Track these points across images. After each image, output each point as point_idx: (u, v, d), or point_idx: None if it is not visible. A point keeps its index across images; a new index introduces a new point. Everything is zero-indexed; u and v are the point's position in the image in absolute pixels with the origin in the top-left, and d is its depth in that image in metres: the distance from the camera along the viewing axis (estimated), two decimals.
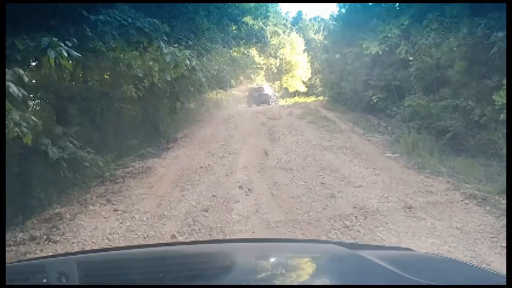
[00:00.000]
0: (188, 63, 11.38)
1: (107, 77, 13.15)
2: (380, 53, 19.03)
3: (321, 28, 41.94)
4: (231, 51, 25.04)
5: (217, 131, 18.70)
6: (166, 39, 10.46)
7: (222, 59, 22.32)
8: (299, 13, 47.81)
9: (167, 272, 1.80)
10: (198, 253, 2.19)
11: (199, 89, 17.06)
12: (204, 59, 15.40)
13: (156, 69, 11.00)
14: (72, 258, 2.22)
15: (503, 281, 1.53)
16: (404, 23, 18.76)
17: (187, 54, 11.42)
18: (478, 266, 2.07)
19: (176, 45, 11.13)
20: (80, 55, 7.84)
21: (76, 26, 9.16)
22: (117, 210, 8.09)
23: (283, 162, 11.71)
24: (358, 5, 24.62)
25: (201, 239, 6.39)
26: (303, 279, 1.76)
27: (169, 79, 11.42)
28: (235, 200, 8.33)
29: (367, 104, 21.29)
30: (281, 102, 35.27)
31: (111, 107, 12.34)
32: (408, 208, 7.50)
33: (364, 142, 15.06)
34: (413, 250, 2.37)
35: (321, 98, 34.95)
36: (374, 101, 19.65)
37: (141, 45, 10.25)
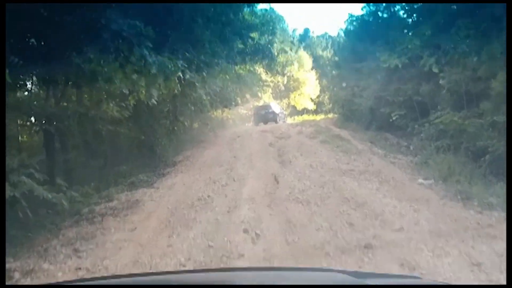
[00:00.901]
0: (181, 76, 9.25)
1: (86, 95, 11.13)
2: (400, 66, 16.85)
3: (329, 44, 40.08)
4: (236, 67, 22.93)
5: (221, 152, 16.55)
6: (151, 46, 8.35)
7: (227, 76, 20.21)
8: (306, 30, 46.07)
9: None
10: (203, 282, 2.12)
11: (200, 107, 14.97)
12: (204, 73, 13.31)
13: (142, 84, 8.85)
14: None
15: None
16: (426, 33, 16.59)
17: (180, 66, 9.26)
18: None
19: (165, 54, 9.00)
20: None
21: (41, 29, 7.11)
22: (79, 269, 5.91)
23: (297, 192, 9.54)
24: (370, 18, 22.75)
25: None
26: None
27: (155, 94, 9.23)
28: (238, 252, 6.15)
29: (383, 122, 19.18)
30: (289, 120, 33.21)
31: (93, 130, 10.25)
32: (476, 265, 5.29)
33: (388, 164, 12.90)
34: (420, 278, 2.48)
35: (330, 115, 32.84)
36: (394, 118, 17.47)
37: (122, 54, 8.18)
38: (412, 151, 15.08)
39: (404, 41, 17.32)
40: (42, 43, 8.19)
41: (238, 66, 23.79)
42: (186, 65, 9.85)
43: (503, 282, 4.76)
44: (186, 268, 5.61)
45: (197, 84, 13.60)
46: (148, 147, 14.38)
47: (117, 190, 10.65)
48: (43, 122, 9.26)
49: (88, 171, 10.71)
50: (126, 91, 8.88)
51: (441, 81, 13.71)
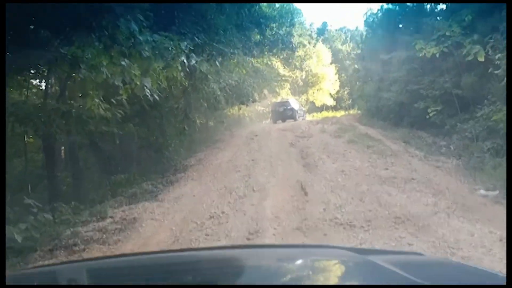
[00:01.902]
0: (185, 61, 7.09)
1: (71, 89, 9.09)
2: (437, 55, 14.55)
3: (348, 38, 37.69)
4: (253, 60, 20.78)
5: (238, 154, 14.46)
6: (142, 19, 6.19)
7: (244, 70, 18.04)
8: (324, 24, 43.73)
9: (175, 278, 1.73)
10: (209, 259, 2.04)
11: (214, 103, 12.86)
12: (217, 63, 11.21)
13: (136, 72, 6.68)
14: (77, 265, 2.15)
15: None
16: (466, 19, 14.26)
17: (184, 48, 7.08)
18: (490, 270, 1.77)
19: (163, 32, 6.82)
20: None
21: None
22: None
23: (333, 209, 7.43)
24: (396, 7, 20.40)
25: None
26: (314, 284, 1.60)
27: (148, 85, 7.06)
28: None
29: (416, 118, 16.89)
30: (308, 117, 30.94)
31: (84, 131, 8.25)
32: None
33: (433, 170, 10.73)
34: (422, 254, 2.31)
35: (352, 111, 30.49)
36: (431, 114, 15.18)
37: (106, 32, 6.07)
38: (454, 152, 12.81)
39: (441, 28, 15.00)
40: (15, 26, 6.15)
41: (255, 59, 21.68)
42: (192, 48, 7.66)
43: None
44: None
45: (210, 77, 11.54)
46: (155, 150, 12.39)
47: (114, 204, 8.64)
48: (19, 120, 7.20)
49: (80, 182, 8.69)
50: (118, 83, 6.82)
51: (495, 71, 11.36)
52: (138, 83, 6.59)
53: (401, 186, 8.88)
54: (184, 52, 7.09)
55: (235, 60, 16.10)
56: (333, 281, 1.66)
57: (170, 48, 6.56)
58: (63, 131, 8.21)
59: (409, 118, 17.60)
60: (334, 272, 1.82)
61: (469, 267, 2.07)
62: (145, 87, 6.89)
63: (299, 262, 1.99)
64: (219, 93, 12.14)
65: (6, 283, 1.67)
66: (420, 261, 1.98)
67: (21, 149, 10.04)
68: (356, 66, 27.81)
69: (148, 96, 7.35)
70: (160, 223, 7.34)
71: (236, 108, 21.44)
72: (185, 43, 7.13)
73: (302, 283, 1.61)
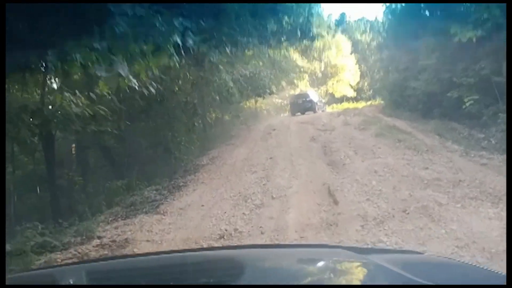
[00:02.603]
0: (179, 41, 5.43)
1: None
2: (474, 40, 12.68)
3: (368, 28, 35.60)
4: (270, 51, 19.05)
5: (255, 151, 12.90)
6: None
7: (260, 62, 16.38)
8: (342, 15, 41.43)
9: (176, 279, 1.68)
10: (209, 260, 1.99)
11: (226, 96, 11.25)
12: (228, 51, 9.61)
13: (116, 58, 5.03)
14: (77, 267, 2.10)
15: None
16: None
17: (178, 26, 5.38)
18: (492, 270, 1.68)
19: (151, 4, 5.14)
20: None
21: None
22: None
23: (373, 225, 5.84)
24: None
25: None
26: (314, 285, 1.56)
27: (123, 72, 5.39)
28: None
29: (448, 109, 15.09)
30: (328, 109, 29.12)
31: (64, 130, 6.74)
32: None
33: (479, 168, 9.00)
34: (421, 253, 2.26)
35: (373, 102, 28.56)
36: (467, 104, 13.32)
37: None
38: (497, 146, 11.02)
39: (478, 10, 13.09)
40: None
41: (272, 50, 19.96)
42: (191, 29, 5.98)
43: None
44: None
45: (221, 67, 9.94)
46: (164, 149, 10.84)
47: (108, 218, 7.14)
48: None
49: (68, 190, 7.20)
50: (101, 73, 5.25)
51: None
52: (122, 72, 5.05)
53: (450, 191, 7.20)
54: (179, 30, 5.44)
55: (251, 52, 14.47)
56: (333, 281, 1.58)
57: (157, 25, 4.93)
58: (45, 130, 6.73)
59: (440, 108, 15.77)
60: (334, 272, 1.73)
61: (469, 266, 1.96)
62: (131, 79, 5.30)
63: (299, 261, 1.92)
64: (232, 85, 10.55)
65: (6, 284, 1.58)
66: (420, 260, 1.88)
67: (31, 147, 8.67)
68: (378, 55, 25.84)
69: (136, 88, 5.78)
70: (157, 246, 5.78)
71: (252, 101, 19.84)
72: (180, 19, 5.48)
73: (302, 283, 1.55)
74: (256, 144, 14.09)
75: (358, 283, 1.57)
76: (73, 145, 9.99)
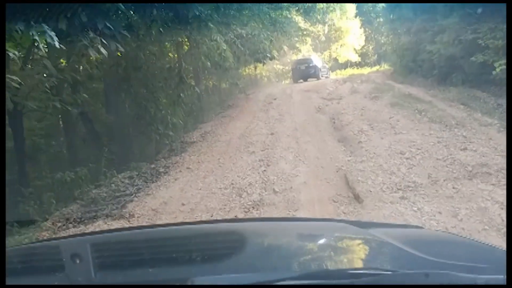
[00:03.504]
0: None
1: None
2: None
3: None
4: (270, 12, 16.73)
5: (253, 125, 10.94)
6: None
7: (260, 23, 14.15)
8: None
9: (175, 252, 1.63)
10: (210, 233, 1.91)
11: (219, 61, 9.16)
12: (220, 7, 7.51)
13: None
14: (84, 239, 1.99)
15: None
16: None
17: None
18: (489, 244, 1.69)
19: None
20: None
21: None
22: None
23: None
24: None
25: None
26: (315, 258, 1.53)
27: None
28: None
29: (469, 75, 13.03)
30: (332, 75, 26.86)
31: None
32: None
33: None
34: (422, 228, 2.26)
35: (379, 68, 26.29)
36: (498, 70, 11.21)
37: None
38: None
39: None
40: None
41: (273, 12, 17.63)
42: None
43: None
44: None
45: (211, 25, 7.86)
46: (146, 124, 8.89)
47: (55, 224, 5.20)
48: None
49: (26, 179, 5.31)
50: None
51: None
52: None
53: (504, 182, 5.28)
54: None
55: (247, 11, 12.27)
56: (336, 254, 1.57)
57: None
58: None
59: (461, 74, 13.64)
60: (337, 245, 1.71)
61: (468, 241, 1.95)
62: None
63: (299, 235, 1.85)
64: (225, 47, 8.44)
65: (7, 257, 1.52)
66: (420, 235, 1.88)
67: None
68: (386, 17, 23.44)
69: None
70: None
71: (251, 67, 17.66)
72: None
73: (304, 257, 1.50)
74: (255, 116, 12.09)
75: (361, 256, 1.53)
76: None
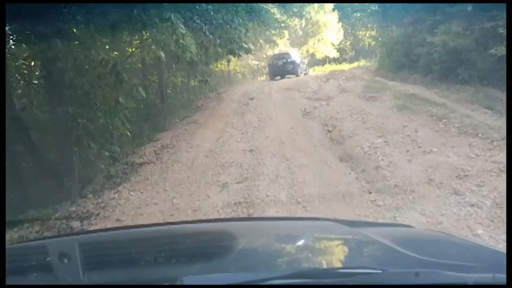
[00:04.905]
0: None
1: None
2: None
3: None
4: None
5: (226, 136, 8.07)
6: None
7: (232, 9, 11.11)
8: None
9: (163, 251, 1.57)
10: (199, 232, 1.81)
11: (176, 52, 6.22)
12: None
13: None
14: (72, 239, 1.92)
15: (503, 259, 1.22)
16: None
17: None
18: (479, 243, 1.67)
19: None
20: None
21: None
22: None
23: None
24: None
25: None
26: (305, 257, 1.47)
27: None
28: None
29: (482, 71, 10.43)
30: (311, 71, 24.11)
31: None
32: None
33: None
34: (412, 227, 2.06)
35: (360, 63, 23.62)
36: None
37: None
38: None
39: None
40: None
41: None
42: None
43: None
44: None
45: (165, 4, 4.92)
46: (76, 142, 5.90)
47: None
48: None
49: None
50: None
51: None
52: None
53: None
54: None
55: None
56: (323, 253, 1.50)
57: None
58: None
59: (468, 70, 11.05)
60: (325, 244, 1.64)
61: (458, 240, 1.85)
62: None
63: (289, 234, 1.77)
64: (183, 31, 5.51)
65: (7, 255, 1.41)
66: (411, 234, 1.78)
67: None
68: (369, 10, 20.80)
69: None
70: None
71: (224, 62, 14.66)
72: None
73: (294, 257, 1.46)
74: (228, 123, 9.17)
75: (351, 255, 1.47)
76: None
